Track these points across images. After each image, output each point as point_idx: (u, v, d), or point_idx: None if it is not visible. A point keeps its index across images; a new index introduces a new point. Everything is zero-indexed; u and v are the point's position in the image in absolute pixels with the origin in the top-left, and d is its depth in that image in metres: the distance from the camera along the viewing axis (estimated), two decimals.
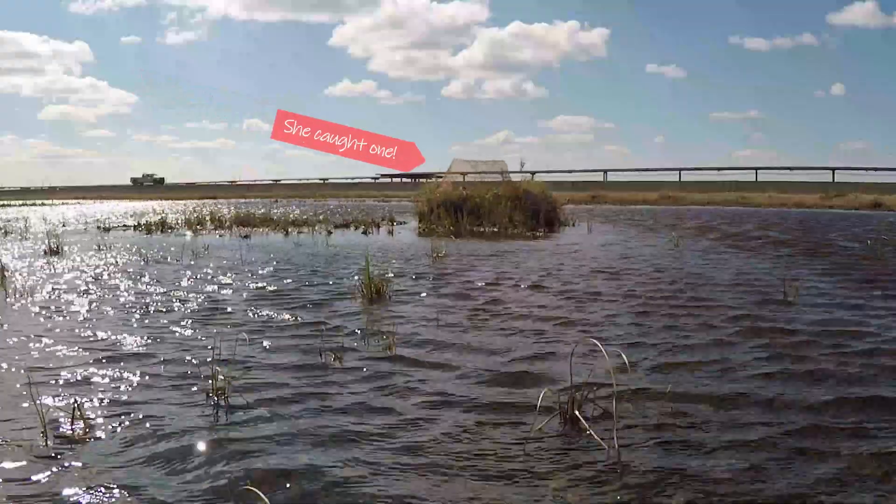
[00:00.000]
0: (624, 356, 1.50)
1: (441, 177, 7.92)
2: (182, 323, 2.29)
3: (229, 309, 2.55)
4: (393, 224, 8.02)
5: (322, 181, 52.84)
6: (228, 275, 3.53)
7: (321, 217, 9.13)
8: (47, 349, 1.92)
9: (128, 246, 5.42)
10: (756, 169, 38.06)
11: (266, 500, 0.98)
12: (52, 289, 3.06)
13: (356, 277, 2.95)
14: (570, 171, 39.63)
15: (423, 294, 2.87)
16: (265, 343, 1.99)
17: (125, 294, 2.90)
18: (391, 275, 2.88)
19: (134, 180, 64.72)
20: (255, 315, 2.43)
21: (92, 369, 1.71)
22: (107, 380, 1.63)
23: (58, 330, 2.18)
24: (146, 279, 3.38)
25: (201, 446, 1.22)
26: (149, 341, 2.02)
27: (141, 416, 1.37)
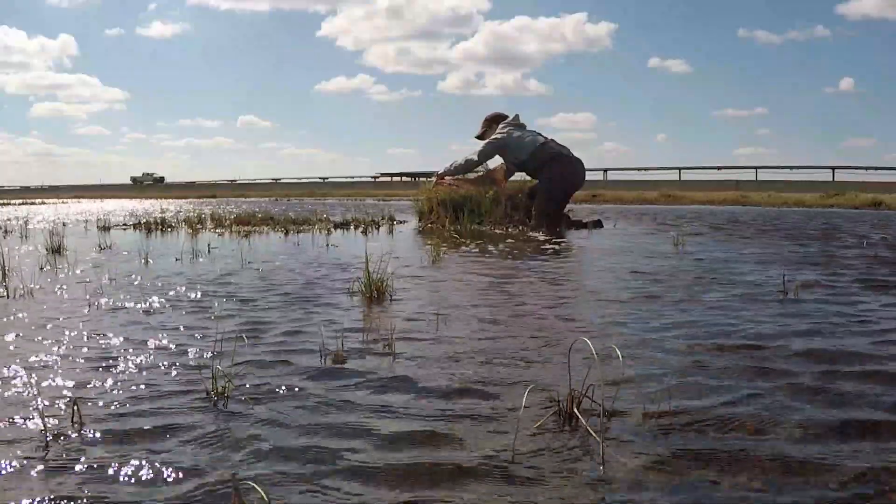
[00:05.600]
0: (618, 352, 1.51)
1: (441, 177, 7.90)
2: (182, 322, 2.30)
3: (230, 308, 2.56)
4: (393, 223, 8.02)
5: (322, 180, 52.91)
6: (228, 274, 3.54)
7: (321, 216, 9.13)
8: (48, 348, 1.93)
9: (128, 245, 5.43)
10: (756, 168, 38.07)
11: (264, 495, 0.98)
12: (53, 288, 3.07)
13: (356, 277, 2.96)
14: None
15: (424, 293, 2.88)
16: (265, 342, 2.00)
17: (125, 293, 2.90)
18: (391, 274, 2.88)
19: (134, 179, 64.79)
20: (256, 314, 2.43)
21: (92, 368, 1.72)
22: (107, 379, 1.63)
23: (58, 329, 2.19)
24: (146, 278, 3.39)
25: (201, 443, 1.23)
26: (149, 340, 2.02)
27: (141, 415, 1.38)
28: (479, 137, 7.70)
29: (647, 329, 2.14)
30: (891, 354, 1.81)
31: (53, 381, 1.60)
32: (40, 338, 2.06)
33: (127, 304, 2.62)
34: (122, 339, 2.05)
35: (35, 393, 1.40)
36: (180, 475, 1.10)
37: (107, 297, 2.78)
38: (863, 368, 1.67)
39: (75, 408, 1.34)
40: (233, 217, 8.81)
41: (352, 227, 7.51)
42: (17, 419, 1.35)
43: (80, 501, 1.02)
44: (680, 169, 39.89)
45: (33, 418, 1.34)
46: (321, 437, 1.26)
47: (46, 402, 1.40)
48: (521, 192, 7.55)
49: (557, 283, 3.19)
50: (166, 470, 1.12)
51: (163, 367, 1.72)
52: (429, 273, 3.56)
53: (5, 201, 25.66)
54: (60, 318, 2.35)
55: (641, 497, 1.03)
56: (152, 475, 1.10)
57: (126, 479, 1.09)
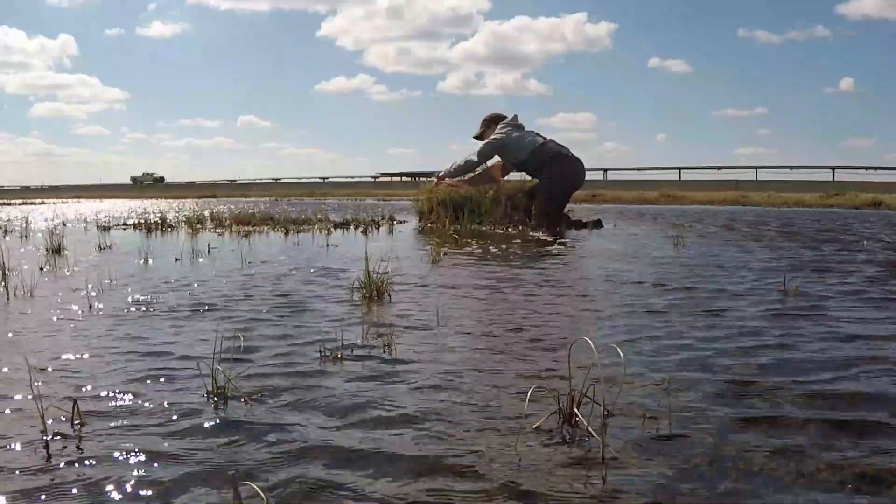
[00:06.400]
0: (620, 352, 1.51)
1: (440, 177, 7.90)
2: (182, 322, 2.30)
3: (229, 308, 2.56)
4: (393, 223, 8.02)
5: (322, 180, 52.90)
6: (228, 274, 3.54)
7: (321, 216, 9.12)
8: (47, 348, 1.93)
9: (128, 245, 5.43)
10: (756, 168, 38.04)
11: (263, 495, 0.98)
12: (54, 288, 3.07)
13: (356, 277, 2.96)
14: None
15: (424, 293, 2.88)
16: (265, 342, 2.00)
17: (125, 293, 2.90)
18: (391, 274, 2.88)
19: (134, 179, 64.78)
20: (255, 314, 2.43)
21: (92, 368, 1.72)
22: (107, 379, 1.63)
23: (58, 329, 2.19)
24: (146, 278, 3.39)
25: (200, 443, 1.23)
26: (148, 340, 2.02)
27: (140, 415, 1.38)
28: (478, 138, 7.70)
29: (647, 330, 2.14)
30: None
31: (53, 381, 1.60)
32: (40, 338, 2.06)
33: (127, 305, 2.62)
34: (121, 339, 2.05)
35: (35, 393, 1.40)
36: (180, 476, 1.10)
37: (106, 298, 2.78)
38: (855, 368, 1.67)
39: (75, 408, 1.34)
40: (233, 217, 8.81)
41: (352, 227, 7.51)
42: (17, 419, 1.35)
43: (79, 502, 1.02)
44: (680, 169, 39.86)
45: (33, 419, 1.34)
46: (320, 437, 1.26)
47: (46, 403, 1.40)
48: (521, 192, 7.55)
49: (557, 284, 3.19)
50: (166, 471, 1.12)
51: (162, 368, 1.72)
52: (429, 273, 3.56)
53: (5, 201, 25.67)
54: (60, 319, 2.35)
55: (642, 497, 1.03)
56: (152, 476, 1.10)
57: (126, 479, 1.09)
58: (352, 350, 1.89)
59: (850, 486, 1.06)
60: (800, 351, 1.86)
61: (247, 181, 58.41)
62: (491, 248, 4.90)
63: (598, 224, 7.34)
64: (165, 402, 1.46)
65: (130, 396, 1.50)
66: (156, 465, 1.14)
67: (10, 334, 2.12)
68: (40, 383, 1.56)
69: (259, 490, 0.99)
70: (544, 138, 7.50)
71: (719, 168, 39.99)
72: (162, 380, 1.62)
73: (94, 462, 1.15)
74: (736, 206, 15.67)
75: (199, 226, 7.62)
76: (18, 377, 1.63)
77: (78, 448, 1.21)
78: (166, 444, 1.23)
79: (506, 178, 7.78)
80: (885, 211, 12.67)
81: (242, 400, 1.47)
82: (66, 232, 6.11)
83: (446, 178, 7.79)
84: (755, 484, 1.07)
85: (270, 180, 57.90)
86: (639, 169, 42.66)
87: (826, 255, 4.41)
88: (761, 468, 1.13)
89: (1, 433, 1.28)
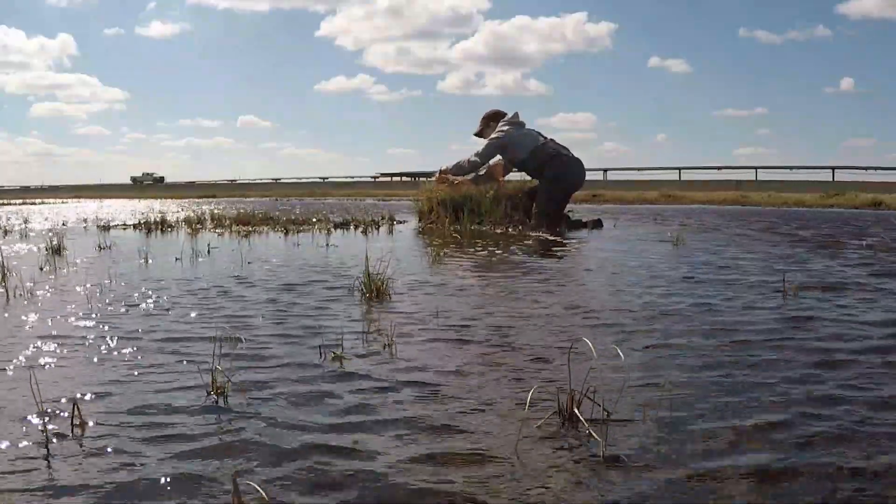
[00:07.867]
0: (620, 352, 1.51)
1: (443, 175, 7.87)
2: (182, 322, 2.30)
3: (229, 308, 2.56)
4: (393, 223, 8.01)
5: (322, 180, 52.86)
6: (228, 274, 3.54)
7: (321, 216, 9.12)
8: (47, 348, 1.93)
9: (128, 245, 5.43)
10: (756, 168, 37.98)
11: (263, 493, 0.98)
12: (53, 288, 3.07)
13: (356, 277, 2.96)
14: None
15: (424, 293, 2.88)
16: (265, 342, 2.00)
17: (125, 294, 2.90)
18: (391, 274, 2.88)
19: (134, 179, 64.74)
20: (255, 314, 2.43)
21: (92, 368, 1.72)
22: (106, 379, 1.63)
23: (58, 330, 2.19)
24: (146, 279, 3.39)
25: (200, 443, 1.23)
26: (149, 340, 2.03)
27: (140, 415, 1.38)
28: (478, 135, 7.67)
29: (648, 333, 2.14)
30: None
31: (53, 381, 1.60)
32: (40, 338, 2.06)
33: (126, 305, 2.62)
34: (121, 339, 2.05)
35: (35, 393, 1.40)
36: (180, 475, 1.10)
37: (106, 298, 2.78)
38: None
39: (75, 408, 1.34)
40: (232, 217, 8.80)
41: (352, 228, 7.51)
42: (18, 420, 1.35)
43: (79, 502, 1.02)
44: (680, 169, 39.77)
45: (33, 419, 1.34)
46: (321, 437, 1.26)
47: (46, 403, 1.40)
48: (521, 192, 7.54)
49: (557, 284, 3.19)
50: (165, 470, 1.12)
51: (162, 367, 1.72)
52: (429, 273, 3.56)
53: (5, 201, 25.69)
54: (60, 319, 2.35)
55: (642, 498, 1.03)
56: (152, 475, 1.10)
57: (126, 479, 1.09)
58: (352, 350, 1.89)
59: (844, 491, 1.06)
60: (801, 354, 1.86)
61: (247, 181, 58.31)
62: (491, 248, 4.90)
63: (598, 224, 7.34)
64: (165, 402, 1.46)
65: (130, 396, 1.50)
66: (155, 463, 1.14)
67: (9, 335, 2.12)
68: (40, 384, 1.56)
69: (259, 488, 0.99)
70: (545, 138, 7.48)
71: (719, 168, 39.88)
72: (161, 379, 1.62)
73: (93, 462, 1.15)
74: (736, 205, 15.67)
75: (198, 226, 7.62)
76: (18, 377, 1.63)
77: (77, 448, 1.22)
78: (166, 443, 1.23)
79: (506, 177, 7.77)
80: (884, 211, 12.67)
81: (243, 399, 1.47)
82: (65, 232, 6.11)
83: (449, 175, 7.75)
84: (756, 486, 1.07)
85: (270, 180, 57.83)
86: (639, 169, 42.55)
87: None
88: (762, 469, 1.13)
89: (1, 433, 1.28)
